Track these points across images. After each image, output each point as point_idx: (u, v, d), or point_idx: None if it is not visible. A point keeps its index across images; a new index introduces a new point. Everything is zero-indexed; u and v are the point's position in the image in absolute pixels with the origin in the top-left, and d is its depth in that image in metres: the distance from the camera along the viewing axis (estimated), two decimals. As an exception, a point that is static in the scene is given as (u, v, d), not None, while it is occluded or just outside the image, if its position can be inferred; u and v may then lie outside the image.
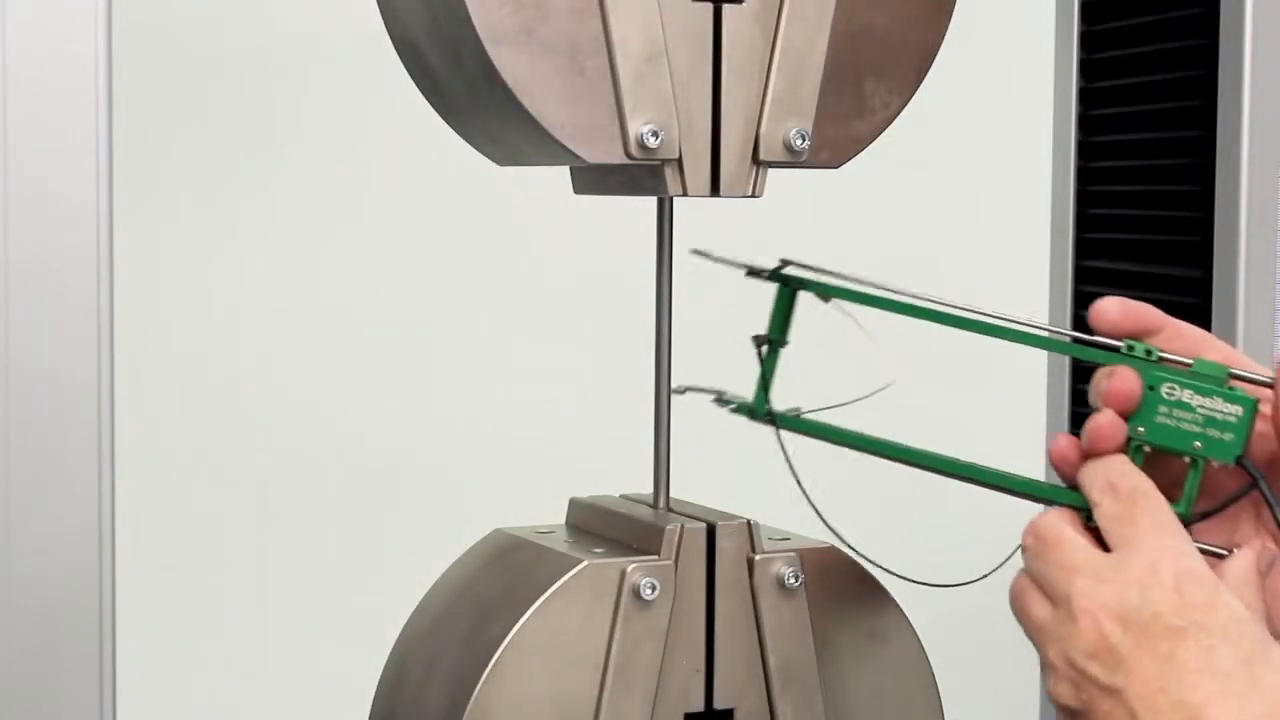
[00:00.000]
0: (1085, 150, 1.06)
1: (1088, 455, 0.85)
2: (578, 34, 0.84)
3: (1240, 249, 0.94)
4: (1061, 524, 0.84)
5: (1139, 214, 1.02)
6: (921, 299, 0.87)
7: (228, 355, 1.79)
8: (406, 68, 0.92)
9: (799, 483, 0.89)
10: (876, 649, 0.93)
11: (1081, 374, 1.04)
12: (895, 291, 0.87)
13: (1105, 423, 0.85)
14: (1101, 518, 0.83)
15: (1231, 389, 0.84)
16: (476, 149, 0.93)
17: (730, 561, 0.90)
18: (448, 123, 0.93)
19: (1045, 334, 0.88)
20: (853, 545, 0.91)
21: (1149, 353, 0.85)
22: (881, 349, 0.87)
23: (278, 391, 1.80)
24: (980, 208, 1.99)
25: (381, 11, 0.92)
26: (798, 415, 0.88)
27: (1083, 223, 1.07)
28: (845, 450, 0.89)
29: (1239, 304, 1.02)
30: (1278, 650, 0.78)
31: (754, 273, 0.88)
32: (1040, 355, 1.13)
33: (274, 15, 1.78)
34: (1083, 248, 1.06)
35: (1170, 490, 0.84)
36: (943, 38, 0.91)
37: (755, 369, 0.89)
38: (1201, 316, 1.05)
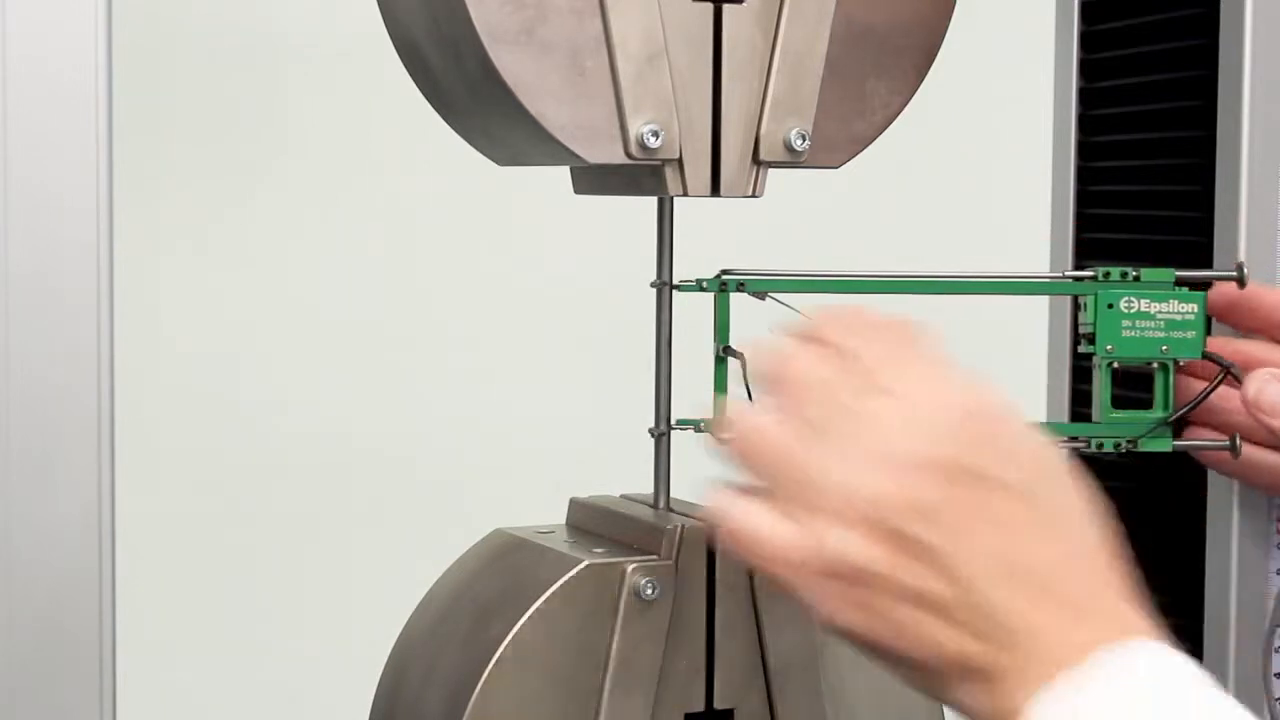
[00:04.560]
0: (1085, 150, 1.06)
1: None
2: (578, 34, 0.84)
3: (1240, 249, 0.94)
4: (817, 361, 0.75)
5: (1139, 214, 1.02)
6: (870, 275, 0.89)
7: (228, 356, 1.79)
8: (406, 68, 0.92)
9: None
10: (877, 649, 0.93)
11: (1082, 374, 1.04)
12: (833, 274, 0.89)
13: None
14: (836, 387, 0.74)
15: (1180, 289, 0.90)
16: (476, 149, 0.93)
17: (731, 562, 0.90)
18: (448, 123, 0.93)
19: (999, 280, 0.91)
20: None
21: (1124, 274, 0.90)
22: None
23: (277, 392, 1.80)
24: (980, 207, 1.99)
25: (381, 11, 0.92)
26: None
27: (1083, 222, 1.07)
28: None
29: (1239, 304, 1.02)
30: (1080, 495, 0.74)
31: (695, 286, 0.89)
32: (1041, 356, 1.13)
33: (274, 15, 1.78)
34: (1083, 248, 1.06)
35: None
36: (943, 38, 0.91)
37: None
38: (1201, 316, 1.05)
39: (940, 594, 0.71)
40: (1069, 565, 0.72)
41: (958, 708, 0.74)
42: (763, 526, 0.73)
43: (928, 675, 0.72)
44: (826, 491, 0.72)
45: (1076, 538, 0.73)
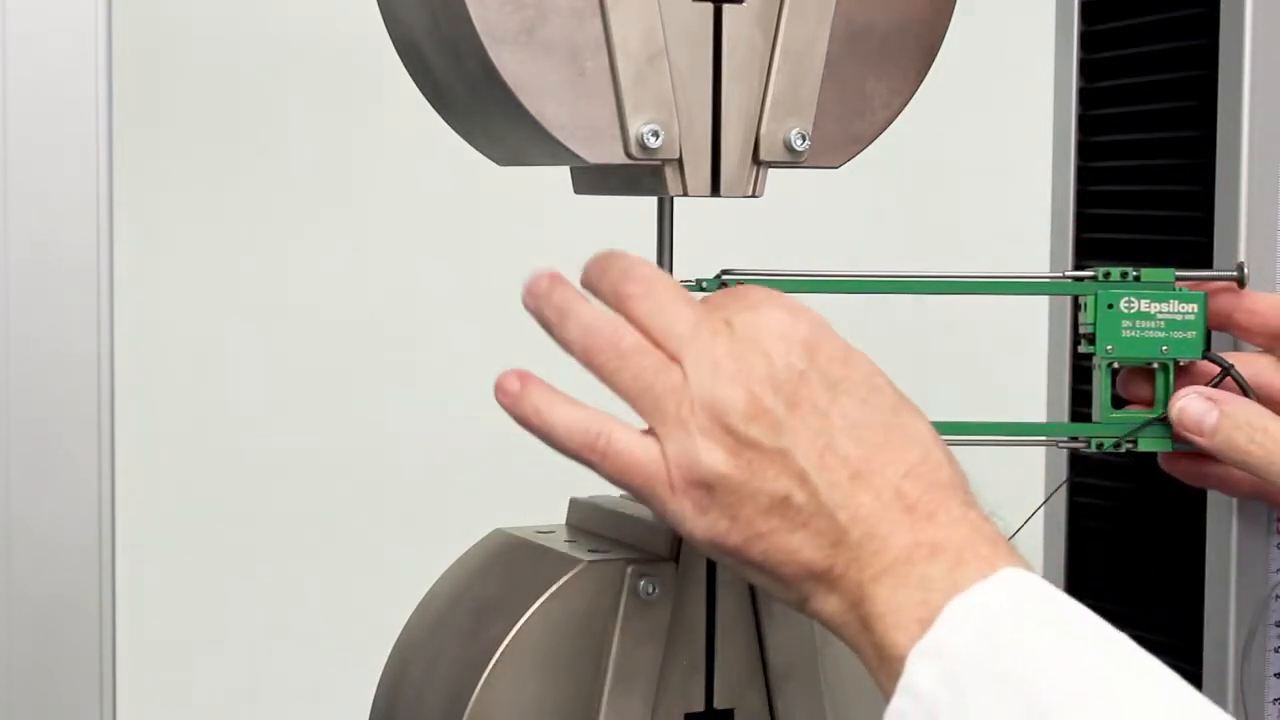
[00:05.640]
0: (1085, 150, 1.06)
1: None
2: (578, 34, 0.84)
3: (1240, 249, 0.94)
4: (669, 276, 0.82)
5: (1139, 214, 1.02)
6: (870, 275, 0.89)
7: (228, 356, 1.79)
8: (406, 68, 0.92)
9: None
10: (877, 649, 0.93)
11: (1082, 374, 1.04)
12: (833, 274, 0.89)
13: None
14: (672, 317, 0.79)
15: (1181, 289, 0.90)
16: (476, 149, 0.93)
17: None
18: (448, 123, 0.93)
19: (1004, 280, 0.91)
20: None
21: (1124, 274, 0.90)
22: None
23: (277, 391, 1.80)
24: (980, 207, 1.99)
25: (381, 11, 0.92)
26: None
27: (1083, 222, 1.07)
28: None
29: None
30: (909, 401, 0.79)
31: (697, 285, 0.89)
32: (1041, 357, 1.13)
33: (274, 15, 1.78)
34: (1083, 248, 1.06)
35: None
36: (943, 37, 0.91)
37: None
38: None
39: (795, 498, 0.75)
40: (912, 469, 0.76)
41: (818, 617, 0.77)
42: (633, 446, 0.77)
43: (789, 584, 0.77)
44: (684, 406, 0.76)
45: (915, 444, 0.77)
